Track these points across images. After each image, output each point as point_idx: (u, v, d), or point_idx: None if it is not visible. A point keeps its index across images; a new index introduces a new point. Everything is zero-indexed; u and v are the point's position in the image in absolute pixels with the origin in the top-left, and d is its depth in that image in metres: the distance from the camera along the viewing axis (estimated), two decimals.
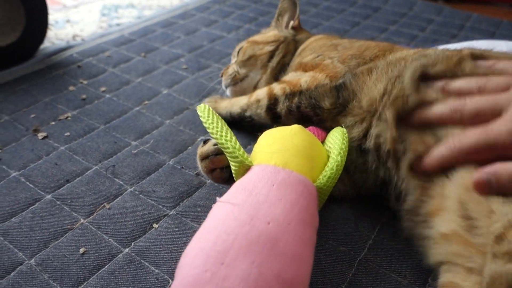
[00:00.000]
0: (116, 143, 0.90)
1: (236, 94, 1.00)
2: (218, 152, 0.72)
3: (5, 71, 1.14)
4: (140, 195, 0.77)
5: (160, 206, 0.75)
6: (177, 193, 0.78)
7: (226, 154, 0.63)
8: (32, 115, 0.98)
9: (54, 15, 1.59)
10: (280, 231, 0.50)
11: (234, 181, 0.61)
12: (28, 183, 0.79)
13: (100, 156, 0.86)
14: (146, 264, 0.65)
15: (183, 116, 0.99)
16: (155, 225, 0.71)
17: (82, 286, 0.61)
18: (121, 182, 0.80)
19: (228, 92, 1.03)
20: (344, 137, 0.66)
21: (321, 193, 0.61)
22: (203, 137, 0.92)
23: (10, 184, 0.79)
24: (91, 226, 0.71)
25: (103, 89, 1.09)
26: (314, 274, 0.60)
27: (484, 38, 1.40)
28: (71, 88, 1.09)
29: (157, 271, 0.64)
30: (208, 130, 0.64)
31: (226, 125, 0.65)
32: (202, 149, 0.74)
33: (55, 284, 0.62)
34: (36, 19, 1.19)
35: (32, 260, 0.65)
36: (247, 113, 0.86)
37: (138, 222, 0.72)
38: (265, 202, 0.52)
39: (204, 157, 0.73)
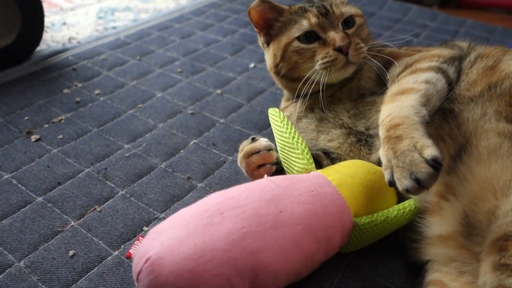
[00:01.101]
0: (108, 146, 0.90)
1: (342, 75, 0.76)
2: (270, 149, 0.74)
3: (0, 73, 1.15)
4: (131, 198, 0.78)
5: (151, 209, 0.76)
6: (168, 196, 0.79)
7: (293, 155, 0.68)
8: (26, 118, 0.98)
9: (50, 18, 1.60)
10: (284, 224, 0.54)
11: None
12: (20, 185, 0.80)
13: (93, 159, 0.87)
14: None
15: (176, 120, 1.00)
16: (145, 228, 0.72)
17: None
18: (112, 185, 0.80)
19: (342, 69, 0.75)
20: (411, 206, 0.63)
21: (357, 231, 0.61)
22: (195, 141, 0.93)
23: (2, 186, 0.79)
24: (81, 229, 0.71)
25: (97, 92, 1.09)
26: None
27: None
28: (66, 90, 1.09)
29: None
30: (281, 130, 0.69)
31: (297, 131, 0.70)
32: (253, 145, 0.74)
33: (43, 287, 0.62)
34: (32, 21, 1.19)
35: (22, 263, 0.65)
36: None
37: (128, 225, 0.72)
38: (294, 197, 0.57)
39: (254, 153, 0.74)
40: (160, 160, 0.87)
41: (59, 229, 0.71)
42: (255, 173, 0.74)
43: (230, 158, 0.88)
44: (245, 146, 0.75)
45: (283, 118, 0.71)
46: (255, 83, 1.16)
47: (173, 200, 0.78)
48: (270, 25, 0.82)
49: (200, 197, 0.77)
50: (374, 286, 0.63)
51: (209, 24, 1.53)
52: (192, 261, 0.48)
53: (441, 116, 0.65)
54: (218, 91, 1.12)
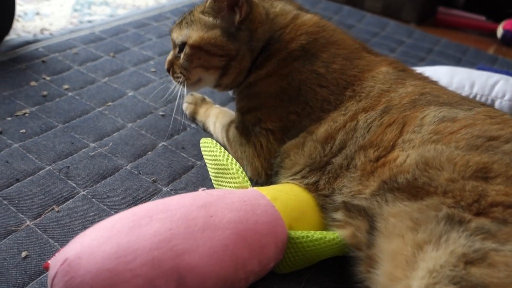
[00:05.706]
0: (73, 143, 0.88)
1: None
2: None
3: None
4: (93, 199, 0.75)
5: (112, 212, 0.73)
6: (131, 199, 0.77)
7: (228, 176, 0.69)
8: None
9: (24, 6, 1.55)
10: (213, 227, 0.54)
11: None
12: None
13: (55, 156, 0.84)
14: None
15: (146, 120, 0.98)
16: None
17: None
18: (74, 185, 0.78)
19: None
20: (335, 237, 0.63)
21: (293, 245, 0.60)
22: (164, 143, 0.91)
23: None
24: (37, 229, 0.69)
25: (66, 86, 1.06)
26: None
27: (450, 63, 1.44)
28: (33, 83, 1.06)
29: None
30: (214, 155, 0.72)
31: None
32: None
33: None
34: (2, 9, 1.15)
35: None
36: None
37: (86, 228, 0.69)
38: (226, 204, 0.58)
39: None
40: (126, 161, 0.85)
41: (13, 228, 0.68)
42: None
43: (199, 163, 0.87)
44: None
45: (216, 143, 0.74)
46: None
47: (136, 203, 0.76)
48: None
49: None
50: None
51: None
52: (112, 260, 0.47)
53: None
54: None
